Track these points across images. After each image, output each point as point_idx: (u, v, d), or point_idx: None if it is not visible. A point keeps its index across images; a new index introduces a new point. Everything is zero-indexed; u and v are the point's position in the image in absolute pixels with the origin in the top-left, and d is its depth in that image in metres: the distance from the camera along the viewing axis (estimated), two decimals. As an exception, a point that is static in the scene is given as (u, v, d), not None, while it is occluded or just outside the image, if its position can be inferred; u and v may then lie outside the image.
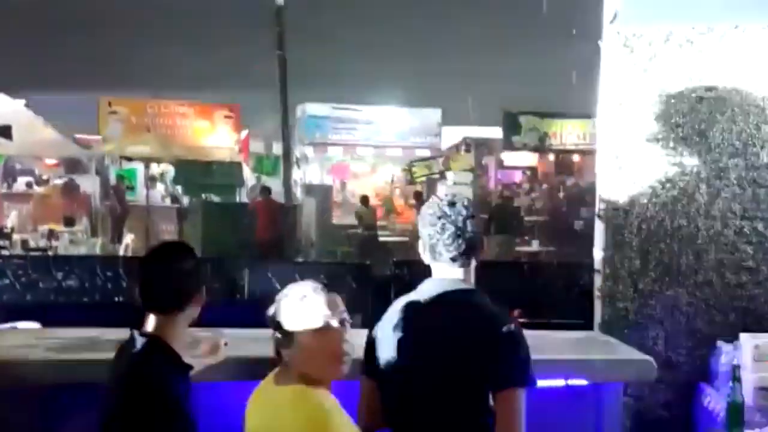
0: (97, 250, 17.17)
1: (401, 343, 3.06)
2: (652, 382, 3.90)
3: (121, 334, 4.28)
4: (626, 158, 4.37)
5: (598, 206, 4.32)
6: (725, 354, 4.23)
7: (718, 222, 4.22)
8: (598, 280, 4.36)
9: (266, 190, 18.57)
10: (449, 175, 25.91)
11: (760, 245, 4.26)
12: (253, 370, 3.52)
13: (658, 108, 4.29)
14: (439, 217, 3.07)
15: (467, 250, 3.07)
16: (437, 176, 25.88)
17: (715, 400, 4.15)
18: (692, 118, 4.35)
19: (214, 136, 22.48)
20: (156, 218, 19.39)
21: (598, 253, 4.32)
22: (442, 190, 27.58)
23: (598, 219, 4.31)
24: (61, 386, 3.69)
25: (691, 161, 4.24)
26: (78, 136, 21.80)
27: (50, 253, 14.40)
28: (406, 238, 19.55)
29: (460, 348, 2.85)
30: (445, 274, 3.07)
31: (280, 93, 20.84)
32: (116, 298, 9.18)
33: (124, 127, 20.97)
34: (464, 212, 3.08)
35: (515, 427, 2.76)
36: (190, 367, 3.08)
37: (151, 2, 18.00)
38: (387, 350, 3.07)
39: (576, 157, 23.46)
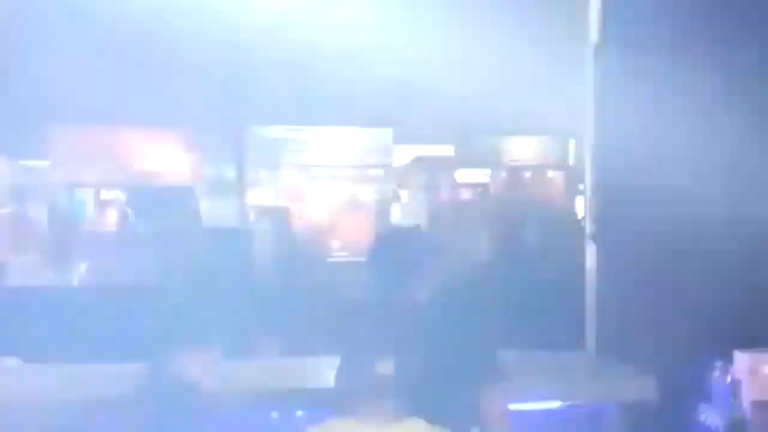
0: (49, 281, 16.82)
1: None
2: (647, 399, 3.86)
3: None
4: (613, 175, 4.32)
5: (589, 227, 4.28)
6: (721, 371, 4.23)
7: (713, 238, 4.20)
8: (591, 299, 4.30)
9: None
10: (403, 194, 25.89)
11: (756, 262, 4.25)
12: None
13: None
14: None
15: None
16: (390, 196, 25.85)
17: (713, 417, 4.14)
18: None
19: (166, 160, 22.17)
20: (110, 246, 18.97)
21: (590, 273, 4.27)
22: (395, 210, 27.67)
23: (590, 240, 4.26)
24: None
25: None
26: (25, 163, 21.37)
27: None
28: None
29: None
30: None
31: (233, 116, 20.69)
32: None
33: (72, 153, 20.59)
34: None
35: None
36: None
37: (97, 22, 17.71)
38: None
39: (528, 174, 23.61)
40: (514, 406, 2.74)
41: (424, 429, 2.48)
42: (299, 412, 3.82)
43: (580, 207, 22.86)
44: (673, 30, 4.42)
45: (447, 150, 24.15)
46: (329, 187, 26.95)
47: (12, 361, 5.34)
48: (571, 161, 21.99)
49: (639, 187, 4.03)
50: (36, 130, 21.24)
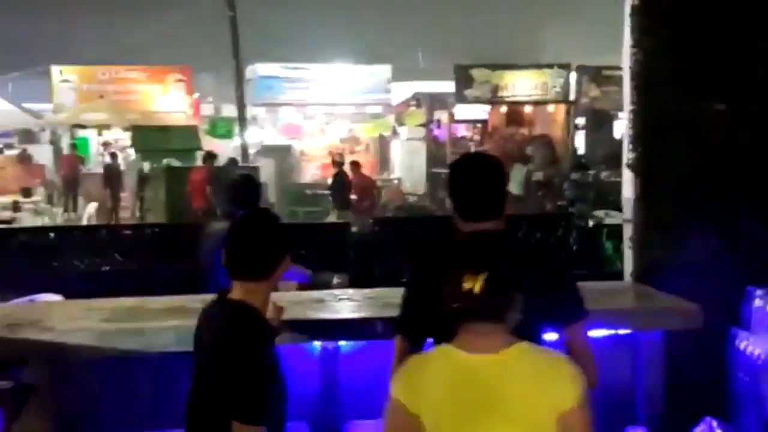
0: (59, 220, 16.98)
1: None
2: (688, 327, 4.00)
3: (161, 302, 4.35)
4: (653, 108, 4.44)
5: (626, 155, 4.43)
6: (759, 298, 4.38)
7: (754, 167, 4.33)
8: (628, 230, 4.48)
9: (211, 157, 16.04)
10: (402, 130, 26.00)
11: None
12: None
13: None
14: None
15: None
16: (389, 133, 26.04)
17: (753, 345, 4.31)
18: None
19: (167, 100, 22.23)
20: (113, 186, 19.09)
21: (627, 203, 4.44)
22: (395, 146, 27.79)
23: (627, 168, 4.43)
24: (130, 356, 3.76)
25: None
26: (28, 105, 21.40)
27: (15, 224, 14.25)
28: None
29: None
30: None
31: (233, 54, 20.69)
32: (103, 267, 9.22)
33: (76, 95, 20.64)
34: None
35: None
36: (277, 332, 3.14)
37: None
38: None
39: (528, 109, 23.66)
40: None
41: (532, 350, 2.52)
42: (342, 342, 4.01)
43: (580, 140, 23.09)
44: None
45: (445, 86, 24.18)
46: (328, 124, 27.08)
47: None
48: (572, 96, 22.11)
49: (681, 115, 4.16)
50: (39, 75, 21.25)
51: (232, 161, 17.05)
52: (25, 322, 3.81)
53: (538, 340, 2.85)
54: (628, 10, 4.40)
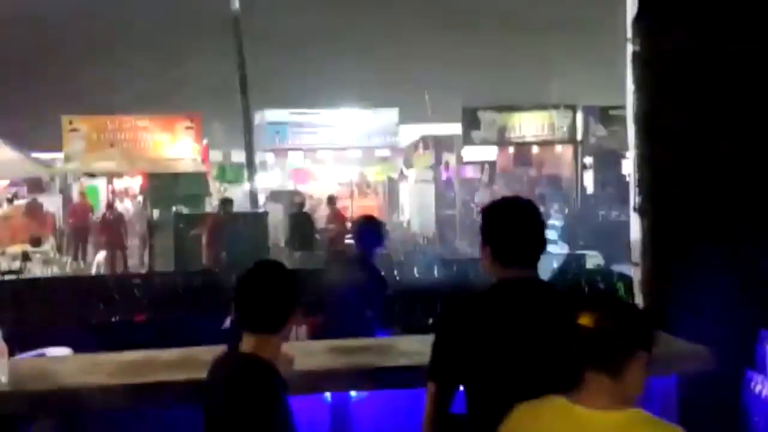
0: (68, 270, 16.99)
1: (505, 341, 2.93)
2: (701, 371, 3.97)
3: (167, 354, 4.34)
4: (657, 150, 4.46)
5: (634, 199, 4.43)
6: (773, 340, 4.35)
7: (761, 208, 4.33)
8: (637, 273, 4.46)
9: (228, 203, 15.61)
10: (410, 173, 26.10)
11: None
12: (307, 383, 3.64)
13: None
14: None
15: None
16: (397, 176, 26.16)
17: (766, 387, 4.27)
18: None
19: (177, 147, 22.36)
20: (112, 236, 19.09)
21: (635, 246, 4.43)
22: (403, 188, 27.89)
23: (634, 212, 4.43)
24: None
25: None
26: (38, 155, 21.54)
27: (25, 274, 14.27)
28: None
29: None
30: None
31: (241, 100, 20.85)
32: (113, 318, 9.19)
33: (85, 144, 20.79)
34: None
35: None
36: (288, 383, 3.09)
37: (107, 17, 17.87)
38: (487, 350, 2.93)
39: (535, 149, 23.72)
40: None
41: (652, 420, 2.38)
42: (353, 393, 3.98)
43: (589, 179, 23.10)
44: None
45: (452, 128, 24.24)
46: (336, 168, 27.17)
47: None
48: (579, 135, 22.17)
49: (686, 158, 4.17)
50: (50, 124, 21.41)
51: (225, 201, 16.13)
52: (33, 377, 3.80)
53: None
54: (629, 56, 4.43)
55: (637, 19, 4.43)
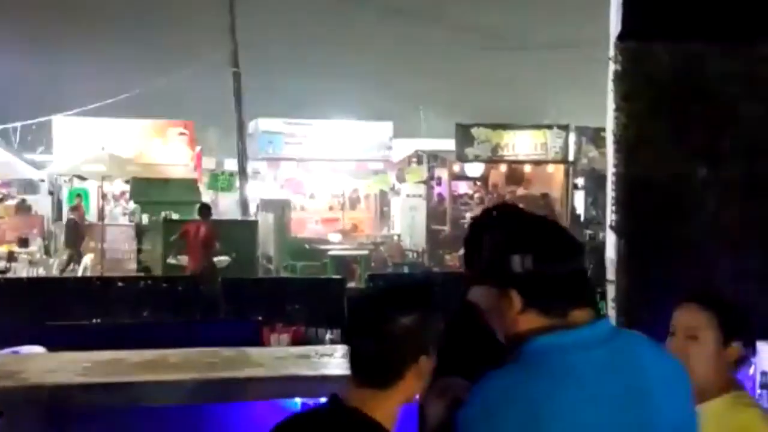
0: (54, 271, 16.96)
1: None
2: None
3: (140, 354, 4.35)
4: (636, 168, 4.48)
5: (609, 217, 4.46)
6: (745, 362, 4.33)
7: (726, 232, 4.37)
8: (611, 291, 4.48)
9: (206, 209, 14.78)
10: (402, 187, 26.10)
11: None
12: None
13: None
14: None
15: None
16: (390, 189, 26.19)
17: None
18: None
19: (168, 153, 22.36)
20: (112, 237, 19.09)
21: (611, 264, 4.45)
22: (395, 202, 27.88)
23: (610, 230, 4.45)
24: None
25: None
26: (30, 156, 21.54)
27: (10, 274, 14.25)
28: (365, 252, 19.70)
29: None
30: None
31: (236, 109, 20.91)
32: (95, 320, 9.18)
33: (77, 146, 20.72)
34: None
35: None
36: None
37: (105, 16, 17.91)
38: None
39: (527, 168, 23.75)
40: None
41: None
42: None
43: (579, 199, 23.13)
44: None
45: (446, 144, 24.25)
46: (329, 179, 27.15)
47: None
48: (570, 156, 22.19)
49: (663, 178, 4.19)
50: (41, 126, 21.46)
51: (202, 206, 15.31)
52: (2, 374, 3.80)
53: None
54: (611, 75, 4.45)
55: (619, 39, 4.46)
